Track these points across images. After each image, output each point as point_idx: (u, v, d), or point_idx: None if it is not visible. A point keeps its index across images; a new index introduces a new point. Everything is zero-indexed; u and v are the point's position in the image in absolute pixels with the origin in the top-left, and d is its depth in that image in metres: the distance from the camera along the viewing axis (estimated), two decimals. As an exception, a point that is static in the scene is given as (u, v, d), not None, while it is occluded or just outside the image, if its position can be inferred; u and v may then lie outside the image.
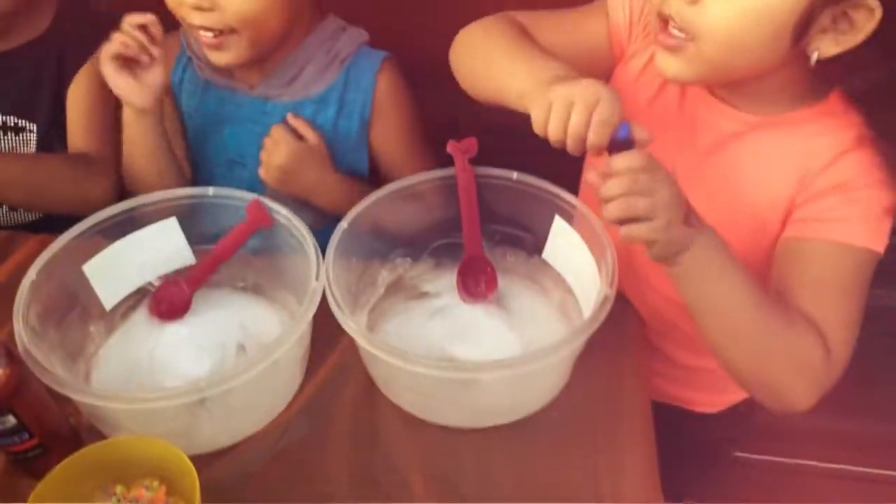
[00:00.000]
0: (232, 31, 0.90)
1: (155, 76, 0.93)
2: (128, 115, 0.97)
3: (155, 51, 0.91)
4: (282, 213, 0.82)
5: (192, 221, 0.86)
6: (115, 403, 0.68)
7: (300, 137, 0.99)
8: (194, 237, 0.86)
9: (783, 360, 0.69)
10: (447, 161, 0.86)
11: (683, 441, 0.78)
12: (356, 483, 0.72)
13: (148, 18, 0.90)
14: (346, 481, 0.72)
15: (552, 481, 0.72)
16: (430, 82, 1.03)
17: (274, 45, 0.96)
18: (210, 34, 0.91)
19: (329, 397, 0.80)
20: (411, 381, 0.75)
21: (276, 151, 0.97)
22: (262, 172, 0.99)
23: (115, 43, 0.90)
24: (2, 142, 1.08)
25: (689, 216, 0.66)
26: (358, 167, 1.04)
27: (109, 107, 1.05)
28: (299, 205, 0.97)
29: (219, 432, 0.75)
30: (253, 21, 0.90)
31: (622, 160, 0.63)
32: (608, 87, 0.65)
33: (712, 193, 0.77)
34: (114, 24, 1.02)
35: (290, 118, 0.99)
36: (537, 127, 0.66)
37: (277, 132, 0.98)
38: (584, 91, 0.64)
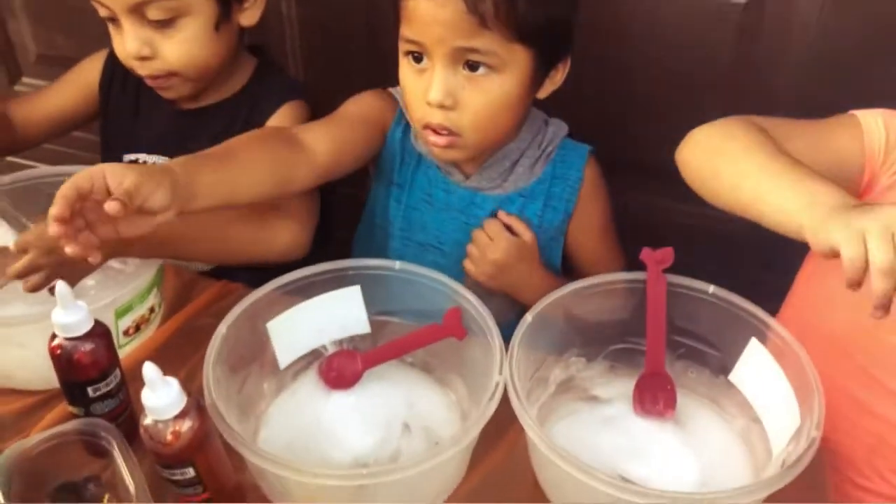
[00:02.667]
0: (462, 133, 0.92)
1: (156, 201, 0.73)
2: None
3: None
4: (468, 298, 0.81)
5: (374, 291, 0.86)
6: (289, 473, 0.67)
7: (512, 233, 0.99)
8: (373, 306, 0.87)
9: None
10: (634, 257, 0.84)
11: None
12: None
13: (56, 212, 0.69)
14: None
15: None
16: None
17: (498, 147, 0.98)
18: (444, 132, 0.92)
19: (493, 494, 0.77)
20: (587, 496, 0.71)
21: (493, 247, 0.97)
22: (469, 266, 1.00)
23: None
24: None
25: None
26: (553, 261, 1.04)
27: None
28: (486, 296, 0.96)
29: (380, 515, 0.73)
30: (484, 126, 0.92)
31: None
32: None
33: None
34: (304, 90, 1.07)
35: (503, 215, 1.00)
36: (849, 259, 0.59)
37: (494, 228, 0.98)
38: None
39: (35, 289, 0.84)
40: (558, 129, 1.03)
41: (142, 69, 1.02)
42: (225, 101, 1.11)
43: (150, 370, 0.64)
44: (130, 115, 1.14)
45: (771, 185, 0.69)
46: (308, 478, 0.66)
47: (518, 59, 0.90)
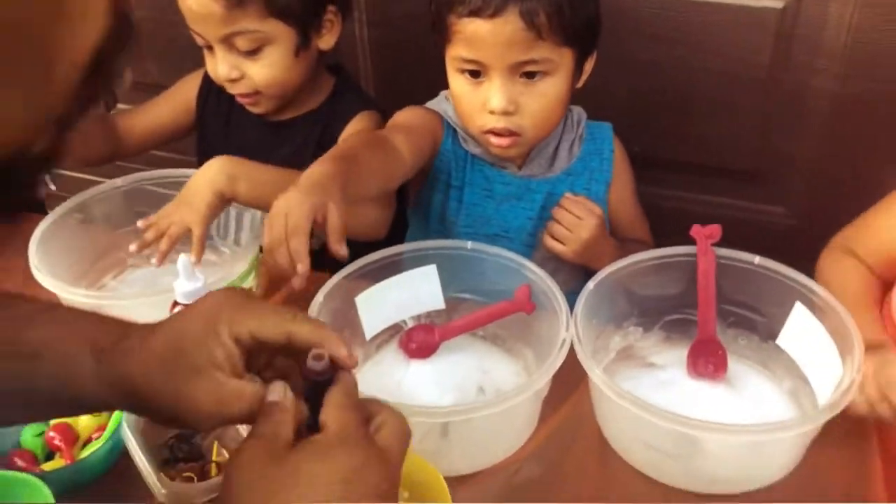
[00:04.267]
0: (523, 132, 1.03)
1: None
2: None
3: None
4: (536, 272, 0.90)
5: (449, 269, 0.95)
6: None
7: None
8: (448, 283, 0.96)
9: None
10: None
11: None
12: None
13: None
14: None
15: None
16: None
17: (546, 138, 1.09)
18: (506, 134, 1.03)
19: (560, 445, 0.85)
20: (644, 434, 0.78)
21: (583, 226, 1.06)
22: (555, 245, 1.07)
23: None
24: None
25: None
26: None
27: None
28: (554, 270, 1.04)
29: (460, 461, 0.82)
30: (542, 124, 1.04)
31: None
32: None
33: None
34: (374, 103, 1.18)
35: (571, 196, 1.09)
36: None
37: (580, 209, 1.06)
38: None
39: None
40: (580, 112, 1.14)
41: (232, 89, 1.16)
42: (305, 115, 1.23)
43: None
44: (223, 126, 1.27)
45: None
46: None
47: (565, 60, 1.00)
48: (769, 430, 0.72)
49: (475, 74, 1.02)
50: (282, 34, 1.12)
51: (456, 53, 1.02)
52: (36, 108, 0.32)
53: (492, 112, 1.01)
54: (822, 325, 0.83)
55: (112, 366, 0.58)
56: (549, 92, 1.01)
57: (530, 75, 1.00)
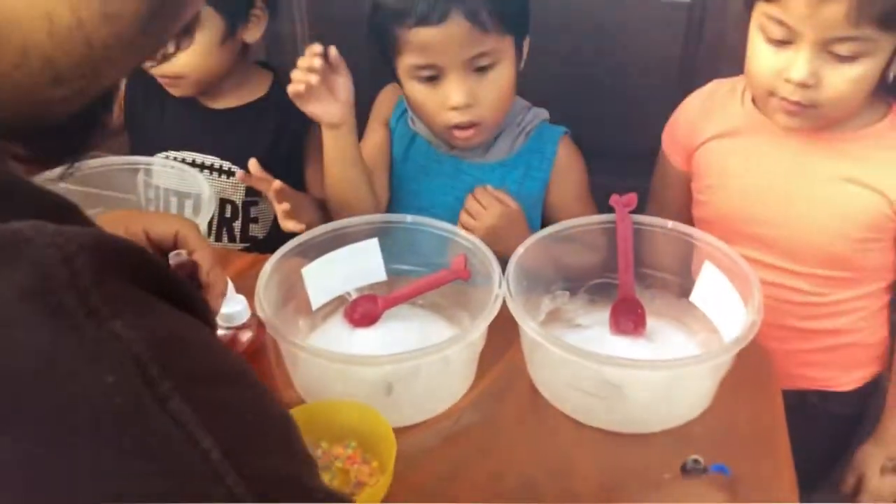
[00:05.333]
0: (483, 121, 1.11)
1: (342, 92, 1.07)
2: (325, 132, 1.11)
3: (337, 74, 1.07)
4: (469, 239, 0.97)
5: (390, 243, 1.02)
6: (326, 360, 0.84)
7: None
8: (389, 256, 1.02)
9: None
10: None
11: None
12: (520, 461, 0.84)
13: (317, 49, 1.05)
14: (513, 459, 0.84)
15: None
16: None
17: None
18: (468, 126, 1.11)
19: (496, 396, 0.92)
20: (571, 378, 0.86)
21: (487, 215, 1.12)
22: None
23: (295, 85, 1.07)
24: (214, 182, 1.30)
25: None
26: (534, 224, 1.20)
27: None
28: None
29: (404, 414, 0.88)
30: (499, 110, 1.12)
31: None
32: None
33: None
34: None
35: (490, 189, 1.14)
36: None
37: (486, 198, 1.12)
38: None
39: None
40: (538, 113, 1.21)
41: (153, 70, 1.20)
42: (250, 104, 1.29)
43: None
44: (158, 116, 1.31)
45: None
46: (343, 364, 0.83)
47: (508, 47, 1.09)
48: (684, 364, 0.81)
49: (432, 79, 1.09)
50: (210, 20, 1.16)
51: (410, 62, 1.09)
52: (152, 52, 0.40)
53: (454, 108, 1.09)
54: (727, 280, 0.92)
55: None
56: (500, 79, 1.10)
57: (482, 70, 1.08)
